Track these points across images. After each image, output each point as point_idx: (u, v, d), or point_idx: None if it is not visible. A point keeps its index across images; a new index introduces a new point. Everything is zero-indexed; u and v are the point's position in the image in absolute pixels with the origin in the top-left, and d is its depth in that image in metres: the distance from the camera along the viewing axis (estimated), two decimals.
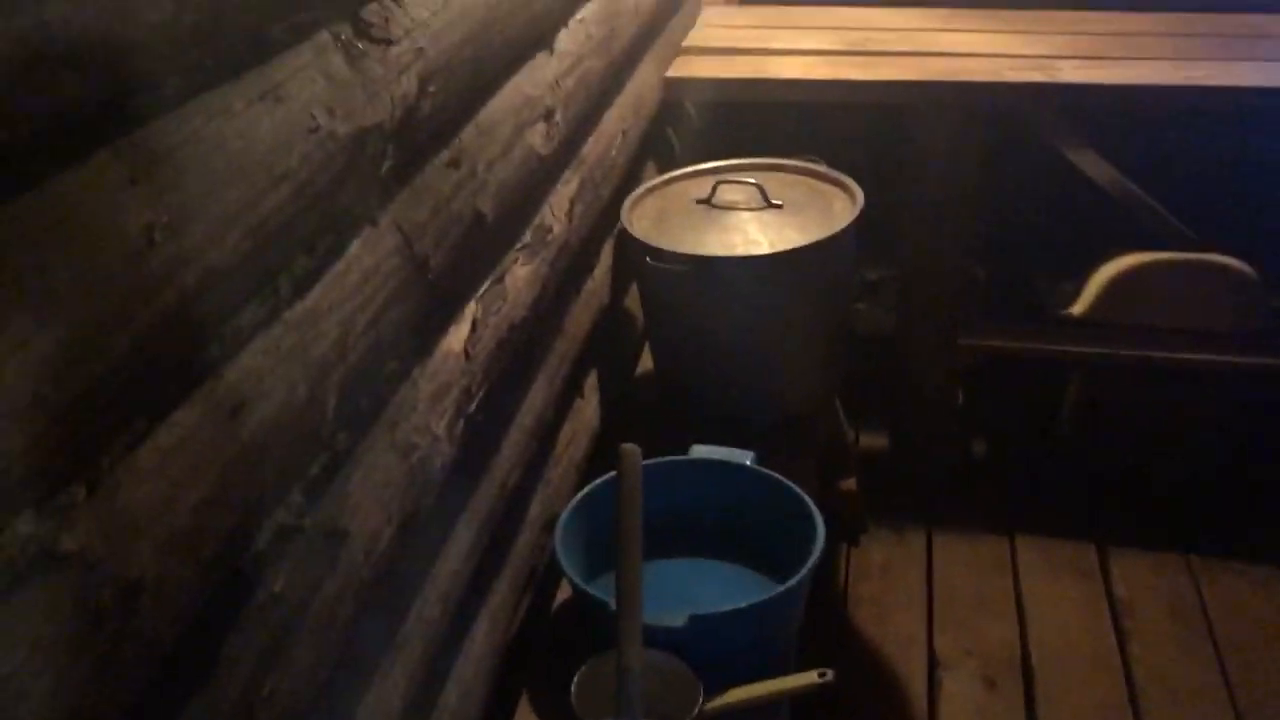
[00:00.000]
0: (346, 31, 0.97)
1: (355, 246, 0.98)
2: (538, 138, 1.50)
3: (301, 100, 0.87)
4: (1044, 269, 2.69)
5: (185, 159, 0.71)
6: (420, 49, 1.08)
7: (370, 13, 1.02)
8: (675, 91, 2.42)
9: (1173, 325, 2.50)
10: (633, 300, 2.23)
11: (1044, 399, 2.71)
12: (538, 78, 1.51)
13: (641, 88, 2.24)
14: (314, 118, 0.88)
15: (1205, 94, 2.20)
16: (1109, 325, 2.51)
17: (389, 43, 1.03)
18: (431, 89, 1.11)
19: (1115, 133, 2.43)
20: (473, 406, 1.25)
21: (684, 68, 2.44)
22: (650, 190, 2.16)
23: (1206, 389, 2.55)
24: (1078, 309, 2.56)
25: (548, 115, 1.54)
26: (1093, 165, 2.44)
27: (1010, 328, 2.59)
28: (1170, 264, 2.48)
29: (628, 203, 2.07)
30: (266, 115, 0.82)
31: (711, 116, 2.62)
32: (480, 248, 1.30)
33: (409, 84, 1.05)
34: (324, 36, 0.94)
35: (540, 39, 1.54)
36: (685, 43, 2.60)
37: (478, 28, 1.24)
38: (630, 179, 2.20)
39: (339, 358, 0.92)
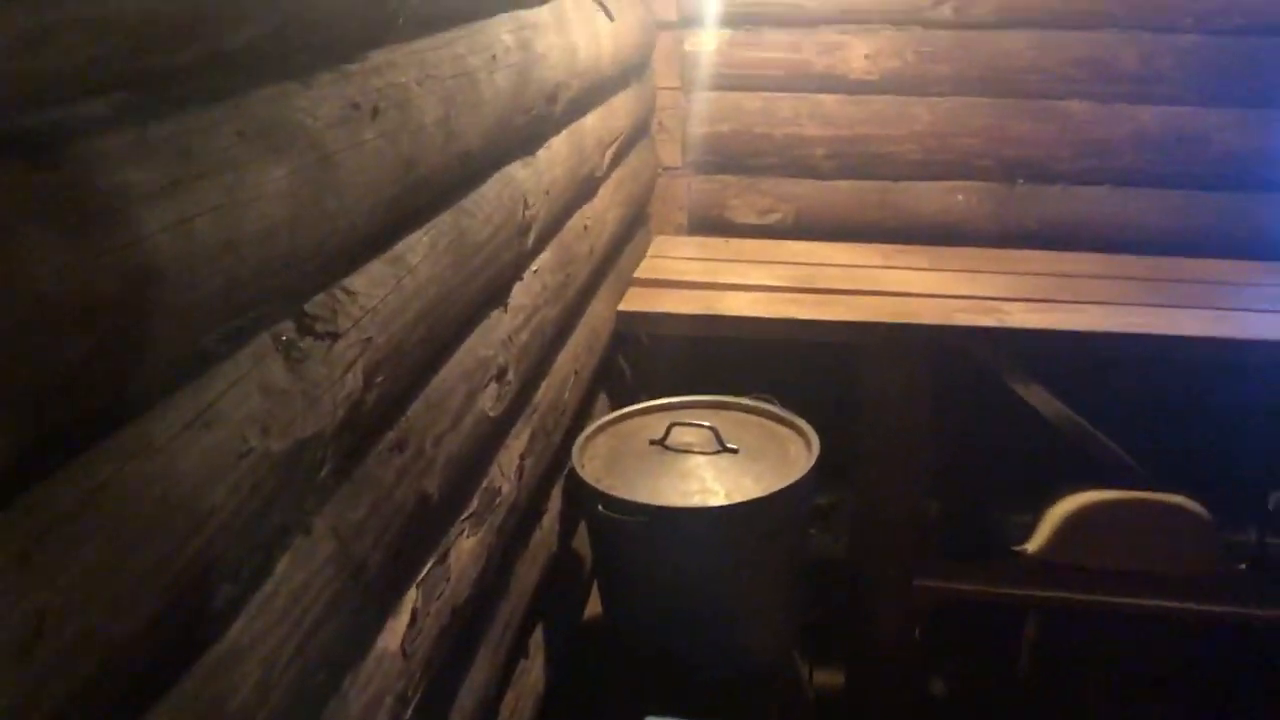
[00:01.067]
0: (289, 330, 0.91)
1: (284, 563, 0.89)
2: (489, 400, 1.44)
3: (234, 421, 0.80)
4: (998, 503, 2.66)
5: (90, 522, 0.63)
6: (368, 339, 1.03)
7: (317, 306, 0.96)
8: (628, 324, 2.41)
9: (1127, 565, 2.46)
10: (581, 540, 2.14)
11: (1003, 639, 2.63)
12: (491, 337, 1.46)
13: (595, 322, 2.22)
14: (246, 440, 0.81)
15: (1149, 342, 2.23)
16: (1063, 568, 2.46)
17: (335, 337, 0.97)
18: (379, 379, 1.05)
19: (1067, 369, 2.44)
20: (409, 712, 1.13)
21: (636, 301, 2.44)
22: (602, 428, 2.10)
23: (1161, 634, 2.49)
24: (1032, 546, 2.51)
25: (500, 375, 1.49)
26: (1043, 401, 2.44)
27: (965, 569, 2.53)
28: (1123, 503, 2.46)
29: (579, 442, 2.01)
30: (193, 445, 0.75)
31: (665, 345, 2.61)
32: (424, 531, 1.21)
33: (354, 380, 0.99)
34: (263, 340, 0.87)
35: (495, 297, 1.50)
36: (637, 273, 2.61)
37: (431, 303, 1.20)
38: (582, 416, 2.15)
39: (259, 701, 0.82)
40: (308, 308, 0.95)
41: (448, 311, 1.26)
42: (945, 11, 2.72)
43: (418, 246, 1.17)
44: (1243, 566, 2.48)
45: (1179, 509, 2.43)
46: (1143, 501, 2.45)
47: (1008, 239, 2.85)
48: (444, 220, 1.26)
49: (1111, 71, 2.71)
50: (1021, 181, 2.83)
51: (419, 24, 1.19)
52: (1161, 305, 2.40)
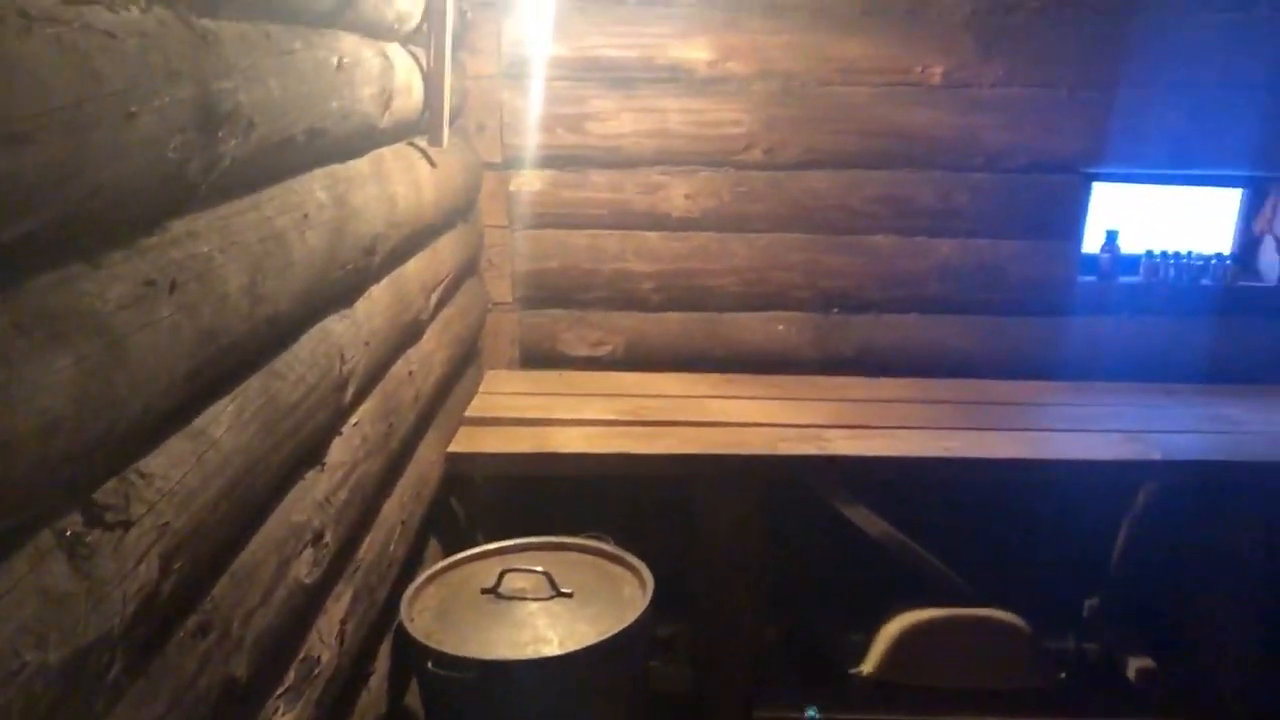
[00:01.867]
0: (75, 524, 0.86)
1: None
2: (305, 566, 1.39)
3: (4, 635, 0.74)
4: (836, 624, 2.70)
5: None
6: (165, 524, 0.98)
7: (107, 494, 0.91)
8: (459, 466, 2.38)
9: (956, 682, 2.53)
10: (414, 696, 2.06)
11: None
12: (306, 500, 1.42)
13: (424, 467, 2.18)
14: (19, 654, 0.75)
15: (961, 465, 2.34)
16: (897, 688, 2.51)
17: (127, 525, 0.92)
18: (178, 564, 0.99)
19: (893, 488, 2.52)
20: None
21: (467, 442, 2.41)
22: (432, 578, 2.05)
23: None
24: (867, 668, 2.56)
25: (317, 538, 1.44)
26: (869, 523, 2.52)
27: (803, 696, 2.55)
28: (947, 621, 2.54)
29: (408, 595, 1.95)
30: None
31: (500, 484, 2.58)
32: (233, 716, 1.14)
33: (149, 571, 0.94)
34: (43, 539, 0.82)
35: (310, 457, 1.46)
36: (469, 412, 2.59)
37: (237, 475, 1.15)
38: (412, 566, 2.09)
39: None
40: (97, 496, 0.90)
41: (256, 481, 1.21)
42: (756, 154, 2.86)
43: (222, 417, 1.13)
44: (1063, 675, 2.58)
45: (1000, 623, 2.53)
46: (965, 618, 2.53)
47: (828, 366, 2.97)
48: (251, 386, 1.22)
49: (912, 207, 2.89)
50: (837, 311, 2.96)
51: (223, 191, 1.17)
52: (971, 428, 2.53)
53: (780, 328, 2.98)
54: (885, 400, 2.72)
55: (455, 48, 2.58)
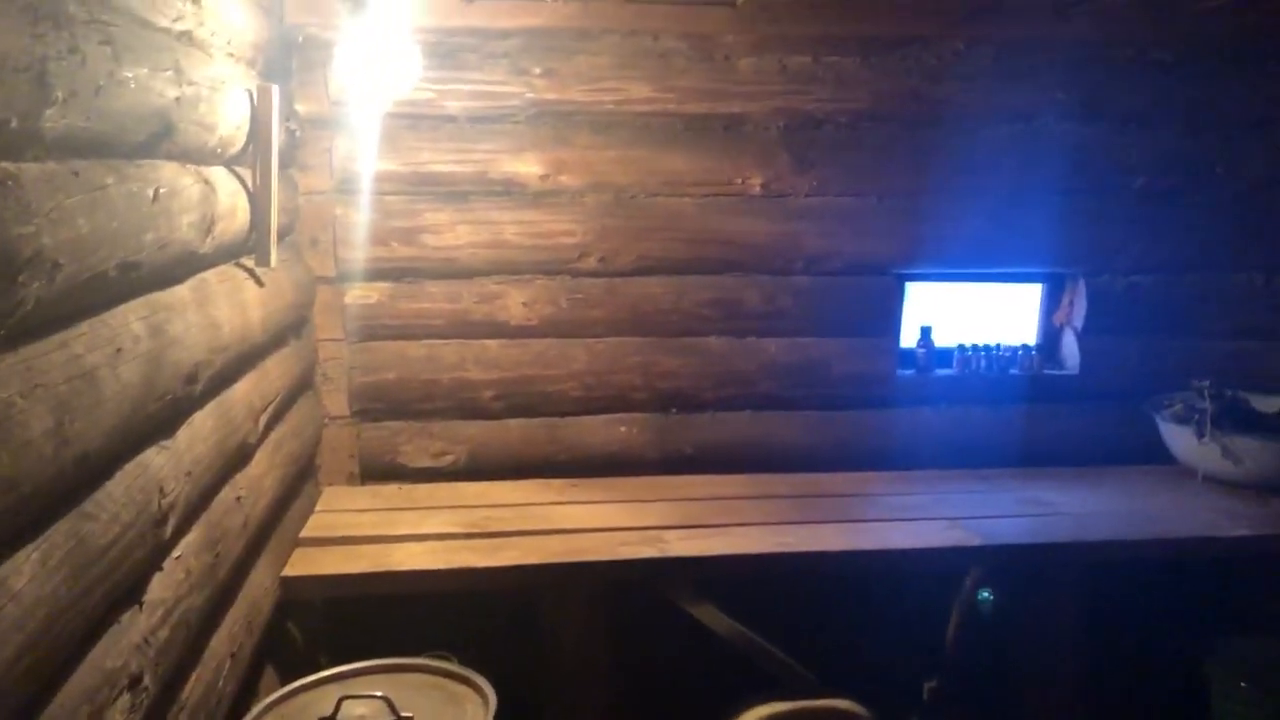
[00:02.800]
0: None
1: None
2: (120, 715, 1.33)
3: None
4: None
5: None
6: None
7: None
8: (295, 590, 2.31)
9: None
10: None
11: None
12: (122, 643, 1.36)
13: (256, 594, 2.11)
14: None
15: (796, 560, 2.41)
16: None
17: None
18: None
19: (741, 583, 2.57)
20: None
21: (302, 564, 2.35)
22: (266, 710, 1.97)
23: None
24: None
25: (134, 682, 1.38)
26: (714, 620, 2.56)
27: None
28: (797, 714, 2.58)
29: None
30: None
31: (340, 606, 2.51)
32: None
33: None
34: None
35: (126, 597, 1.41)
36: (304, 533, 2.53)
37: (41, 628, 1.11)
38: (245, 699, 2.01)
39: None
40: None
41: (64, 630, 1.17)
42: (591, 262, 2.94)
43: (24, 568, 1.09)
44: None
45: (844, 713, 2.58)
46: (812, 710, 2.58)
47: (670, 465, 3.03)
48: (58, 531, 1.18)
49: (741, 310, 3.01)
50: (675, 411, 3.04)
51: (27, 332, 1.15)
52: (805, 522, 2.61)
53: (622, 429, 3.03)
54: (723, 498, 2.79)
55: (285, 166, 2.60)
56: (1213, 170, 3.05)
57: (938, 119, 2.99)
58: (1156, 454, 2.98)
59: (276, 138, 2.15)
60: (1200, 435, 2.73)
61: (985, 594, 2.56)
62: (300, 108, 2.76)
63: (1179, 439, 2.83)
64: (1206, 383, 2.78)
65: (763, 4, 2.80)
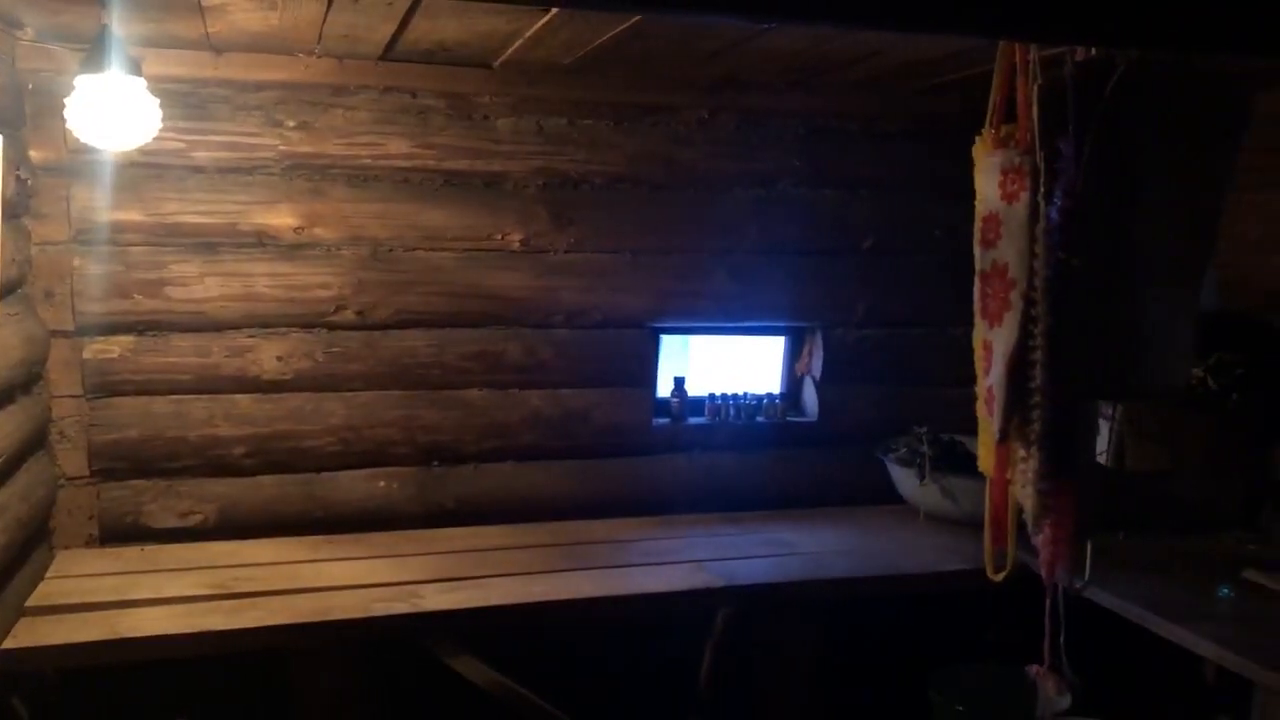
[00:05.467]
0: None
1: None
2: None
3: None
4: None
5: None
6: None
7: None
8: (17, 664, 2.18)
9: None
10: None
11: None
12: None
13: None
14: None
15: (551, 609, 2.47)
16: None
17: None
18: None
19: (501, 635, 2.60)
20: None
21: (26, 635, 2.22)
22: None
23: None
24: None
25: None
26: (476, 672, 2.57)
27: None
28: None
29: None
30: None
31: (75, 675, 2.38)
32: None
33: None
34: None
35: None
36: (31, 601, 2.39)
37: None
38: None
39: None
40: None
41: None
42: (349, 315, 2.93)
43: None
44: None
45: None
46: None
47: (431, 519, 3.03)
48: None
49: (502, 362, 3.07)
50: (437, 464, 3.05)
51: None
52: (562, 570, 2.68)
53: (382, 484, 3.02)
54: (482, 549, 2.82)
55: (15, 215, 2.48)
56: (932, 232, 3.35)
57: (687, 182, 3.16)
58: (888, 495, 3.21)
59: (2, 186, 2.06)
60: (921, 477, 2.97)
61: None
62: (35, 154, 2.64)
63: (904, 480, 3.07)
64: (924, 429, 3.03)
65: (519, 67, 2.90)
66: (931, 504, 3.03)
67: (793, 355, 3.46)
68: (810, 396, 3.40)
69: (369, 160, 2.90)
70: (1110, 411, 2.96)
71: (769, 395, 3.39)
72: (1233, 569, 2.66)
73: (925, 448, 2.99)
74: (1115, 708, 2.82)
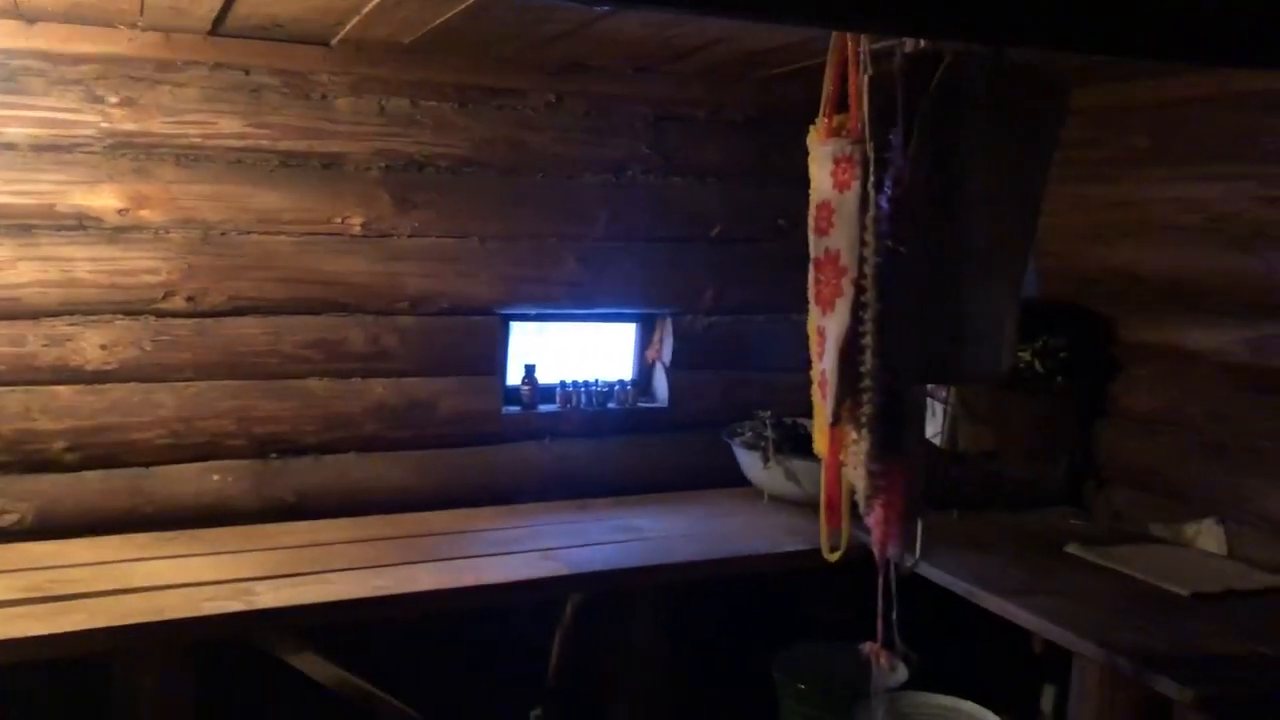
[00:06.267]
0: None
1: None
2: None
3: None
4: None
5: None
6: None
7: None
8: None
9: None
10: None
11: None
12: None
13: None
14: None
15: (390, 603, 2.41)
16: None
17: None
18: None
19: (345, 631, 2.52)
20: None
21: None
22: None
23: None
24: None
25: None
26: (318, 669, 2.50)
27: None
28: None
29: None
30: None
31: None
32: None
33: None
34: None
35: None
36: None
37: None
38: None
39: None
40: None
41: None
42: (178, 302, 2.80)
43: None
44: None
45: None
46: None
47: (269, 514, 2.93)
48: None
49: (343, 350, 2.98)
50: (275, 456, 2.94)
51: None
52: (403, 563, 2.61)
53: (215, 478, 2.89)
54: (323, 544, 2.73)
55: None
56: (776, 221, 3.40)
57: (535, 167, 3.12)
58: (736, 478, 3.25)
59: None
60: (765, 460, 3.02)
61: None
62: None
63: (750, 464, 3.12)
64: (768, 413, 3.08)
65: (358, 46, 2.81)
66: (775, 486, 3.09)
67: (644, 342, 3.47)
68: (661, 382, 3.42)
69: (199, 139, 2.77)
70: (944, 395, 3.07)
71: (620, 382, 3.39)
72: (1057, 544, 2.79)
73: (769, 431, 3.04)
74: (952, 680, 2.94)
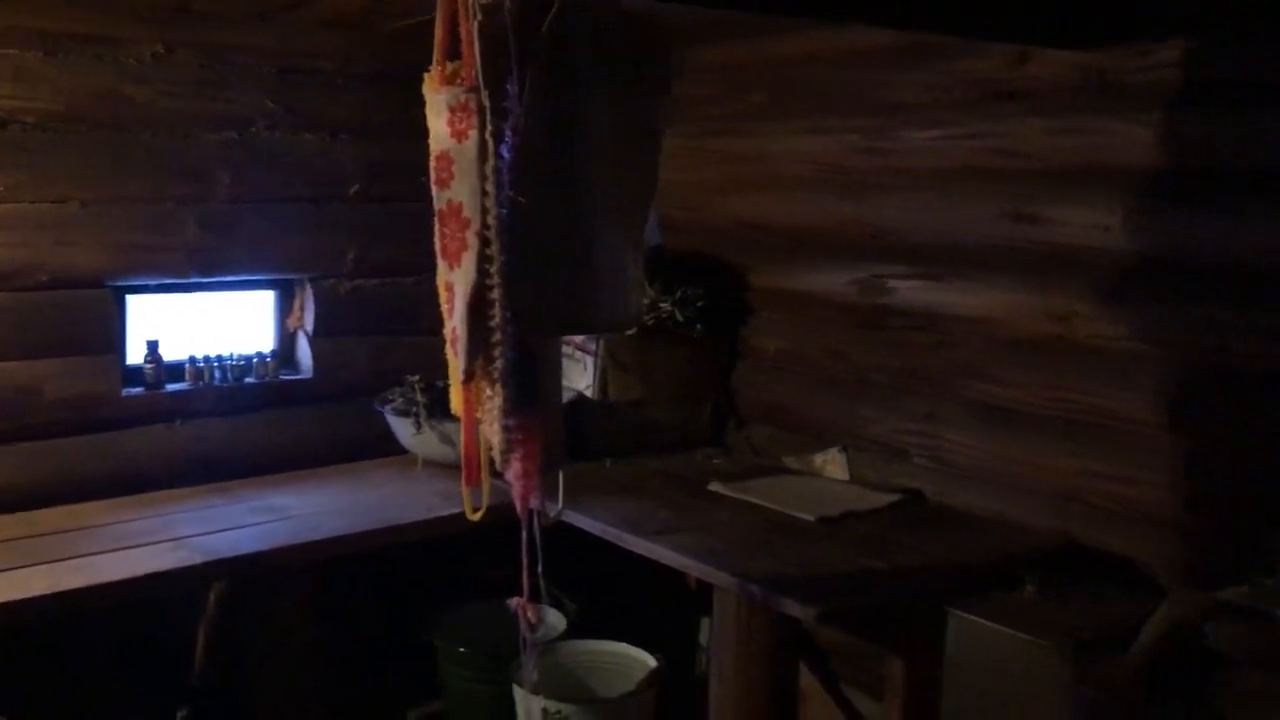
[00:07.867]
0: None
1: None
2: None
3: None
4: None
5: None
6: None
7: None
8: None
9: None
10: None
11: None
12: None
13: None
14: None
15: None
16: None
17: None
18: None
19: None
20: None
21: None
22: None
23: None
24: None
25: None
26: None
27: None
28: None
29: None
30: None
31: None
32: None
33: None
34: None
35: None
36: None
37: None
38: None
39: None
40: None
41: None
42: None
43: None
44: None
45: None
46: None
47: None
48: None
49: None
50: None
51: None
52: (15, 568, 2.33)
53: None
54: None
55: None
56: (417, 178, 3.30)
57: (143, 124, 2.85)
58: (392, 447, 3.15)
59: None
60: (417, 426, 2.95)
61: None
62: None
63: (402, 430, 3.03)
64: (418, 377, 3.01)
65: None
66: (431, 451, 3.03)
67: (283, 310, 3.28)
68: (304, 352, 3.25)
69: None
70: (593, 348, 3.13)
71: (259, 354, 3.18)
72: (702, 484, 2.92)
73: (419, 396, 2.96)
74: (614, 625, 3.02)
